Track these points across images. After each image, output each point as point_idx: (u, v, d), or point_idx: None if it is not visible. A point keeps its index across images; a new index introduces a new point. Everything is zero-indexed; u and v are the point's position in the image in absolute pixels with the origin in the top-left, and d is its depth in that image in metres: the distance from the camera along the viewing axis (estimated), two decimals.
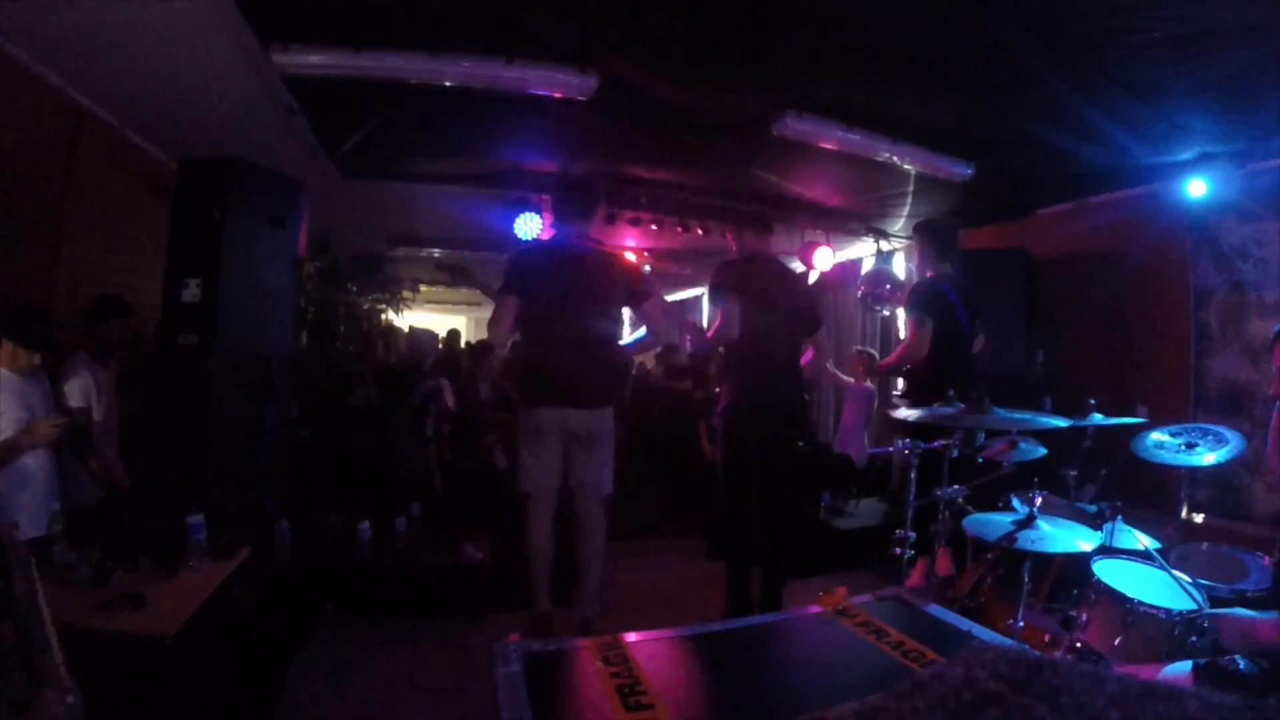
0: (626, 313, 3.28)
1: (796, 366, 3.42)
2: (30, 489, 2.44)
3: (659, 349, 3.01)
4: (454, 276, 3.86)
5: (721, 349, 3.42)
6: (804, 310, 3.39)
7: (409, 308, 7.71)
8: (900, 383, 2.85)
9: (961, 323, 3.50)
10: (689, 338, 4.38)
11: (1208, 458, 2.70)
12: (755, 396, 3.21)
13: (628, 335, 3.42)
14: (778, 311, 3.22)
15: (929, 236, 3.71)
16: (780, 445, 3.29)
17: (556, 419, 2.93)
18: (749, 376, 3.22)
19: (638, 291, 3.10)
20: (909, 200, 4.78)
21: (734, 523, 3.33)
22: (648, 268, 10.41)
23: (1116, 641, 2.14)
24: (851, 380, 5.16)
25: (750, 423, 3.22)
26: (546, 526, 3.01)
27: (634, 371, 5.66)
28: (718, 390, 3.56)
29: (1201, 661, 1.70)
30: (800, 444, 3.37)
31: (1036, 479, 2.45)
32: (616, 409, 3.11)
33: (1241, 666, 1.60)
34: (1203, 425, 2.92)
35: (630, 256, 4.74)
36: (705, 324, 8.99)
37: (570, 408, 2.92)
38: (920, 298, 3.49)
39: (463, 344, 7.51)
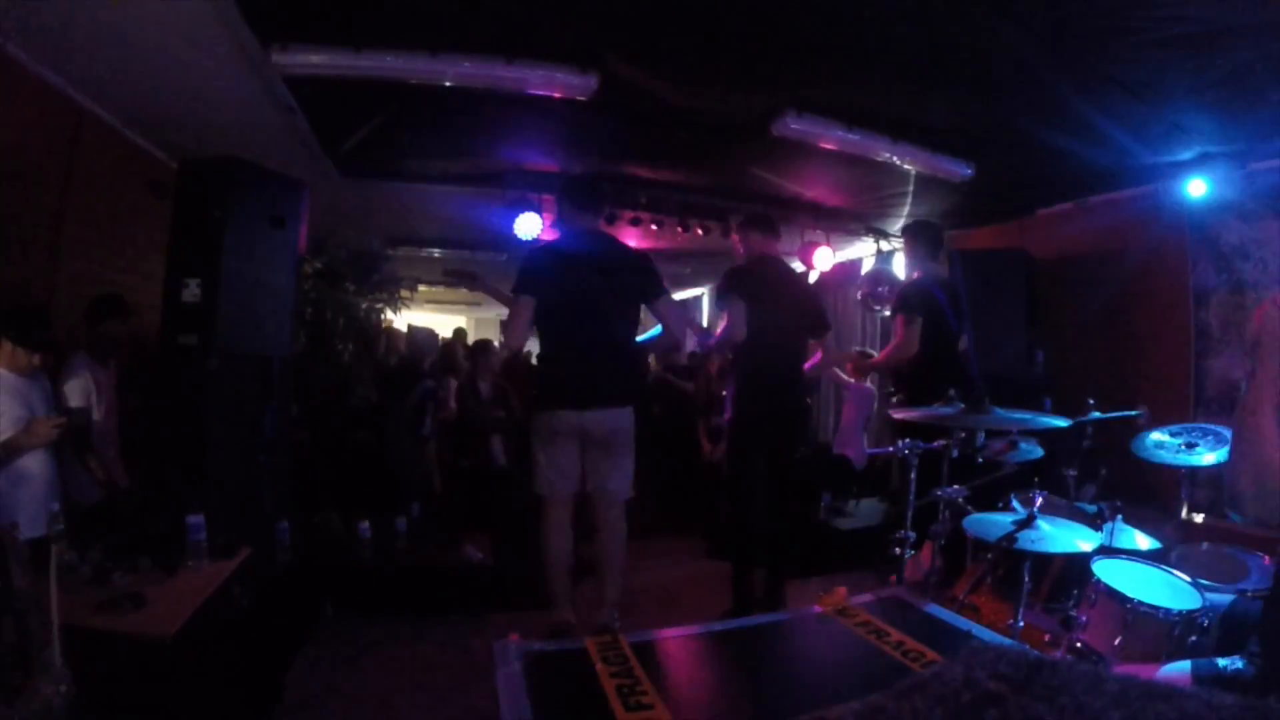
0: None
1: (800, 370, 3.43)
2: (30, 489, 2.44)
3: (667, 347, 3.00)
4: (461, 282, 3.71)
5: (729, 352, 3.41)
6: (811, 313, 3.40)
7: (408, 307, 7.70)
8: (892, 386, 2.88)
9: (949, 321, 3.61)
10: (694, 335, 4.34)
11: (1208, 457, 2.70)
12: (760, 401, 3.21)
13: (642, 333, 3.30)
14: (784, 315, 3.22)
15: (917, 236, 3.87)
16: (784, 449, 3.30)
17: (573, 422, 2.77)
18: (755, 380, 3.21)
19: (653, 287, 2.96)
20: (909, 200, 4.78)
21: (738, 523, 3.33)
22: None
23: (1116, 641, 2.14)
24: (852, 380, 5.16)
25: (755, 427, 3.21)
26: (564, 529, 2.85)
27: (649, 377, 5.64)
28: (722, 393, 3.57)
29: (1202, 661, 1.70)
30: (801, 447, 3.39)
31: (1036, 479, 2.45)
32: (636, 408, 2.94)
33: (1241, 666, 1.60)
34: (1203, 425, 2.92)
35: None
36: (705, 324, 9.00)
37: (587, 410, 2.76)
38: (909, 297, 3.62)
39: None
